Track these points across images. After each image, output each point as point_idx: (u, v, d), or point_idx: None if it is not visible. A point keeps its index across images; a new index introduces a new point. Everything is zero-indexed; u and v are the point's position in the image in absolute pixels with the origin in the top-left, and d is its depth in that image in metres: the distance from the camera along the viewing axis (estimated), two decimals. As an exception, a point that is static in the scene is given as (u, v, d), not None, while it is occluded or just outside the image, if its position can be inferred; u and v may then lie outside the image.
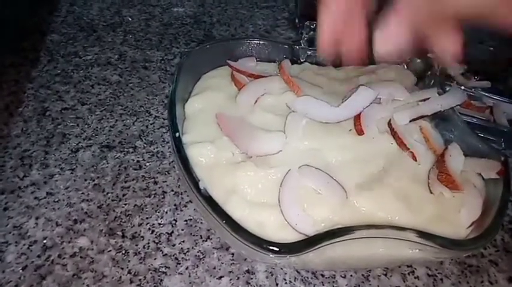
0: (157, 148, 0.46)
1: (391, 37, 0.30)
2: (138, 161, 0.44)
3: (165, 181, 0.43)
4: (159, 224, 0.39)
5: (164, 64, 0.57)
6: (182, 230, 0.39)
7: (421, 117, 0.38)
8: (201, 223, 0.39)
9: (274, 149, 0.35)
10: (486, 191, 0.34)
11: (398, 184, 0.34)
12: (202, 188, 0.30)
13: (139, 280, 0.35)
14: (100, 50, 0.59)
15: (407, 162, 0.36)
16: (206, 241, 0.38)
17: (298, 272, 0.37)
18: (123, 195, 0.41)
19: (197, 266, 0.36)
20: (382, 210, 0.32)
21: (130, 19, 0.66)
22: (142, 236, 0.38)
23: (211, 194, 0.30)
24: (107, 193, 0.41)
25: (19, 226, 0.37)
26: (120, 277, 0.35)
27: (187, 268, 0.36)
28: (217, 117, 0.37)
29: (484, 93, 0.48)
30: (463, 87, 0.43)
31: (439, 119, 0.40)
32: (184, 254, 0.37)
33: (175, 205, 0.40)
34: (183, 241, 0.38)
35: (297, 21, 0.65)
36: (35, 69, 0.54)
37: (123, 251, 0.36)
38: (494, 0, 0.25)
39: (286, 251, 0.27)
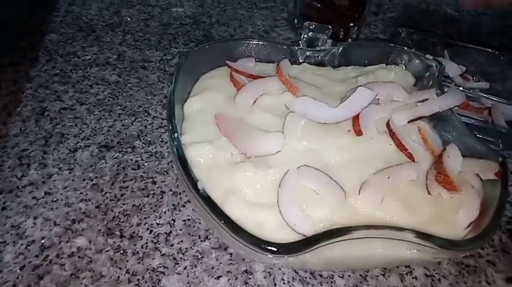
0: (155, 148, 0.46)
1: None
2: (136, 161, 0.44)
3: (164, 181, 0.43)
4: (158, 224, 0.39)
5: (163, 64, 0.57)
6: (180, 230, 0.39)
7: (420, 118, 0.39)
8: (200, 223, 0.39)
9: (273, 149, 0.35)
10: (484, 192, 0.34)
11: (397, 183, 0.34)
12: (200, 188, 0.30)
13: (138, 279, 0.35)
14: (99, 50, 0.59)
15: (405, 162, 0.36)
16: (204, 241, 0.38)
17: (296, 272, 0.37)
18: (122, 195, 0.41)
19: (195, 266, 0.36)
20: (381, 210, 0.32)
21: (129, 19, 0.66)
22: (140, 236, 0.38)
23: (209, 195, 0.30)
24: (105, 193, 0.41)
25: (17, 225, 0.37)
26: (118, 276, 0.35)
27: (185, 268, 0.36)
28: (216, 118, 0.37)
29: (482, 94, 0.48)
30: (461, 89, 0.43)
31: (438, 120, 0.40)
32: (183, 254, 0.37)
33: (173, 205, 0.40)
34: (181, 241, 0.38)
35: (296, 21, 0.65)
36: (34, 69, 0.54)
37: (121, 251, 0.36)
38: None
39: (284, 252, 0.27)
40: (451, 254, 0.32)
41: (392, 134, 0.37)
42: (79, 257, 0.36)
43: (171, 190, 0.42)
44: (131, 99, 0.52)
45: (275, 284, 0.36)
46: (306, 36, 0.45)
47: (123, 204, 0.40)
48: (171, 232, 0.38)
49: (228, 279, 0.35)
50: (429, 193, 0.34)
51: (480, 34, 0.70)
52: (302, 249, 0.27)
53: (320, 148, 0.36)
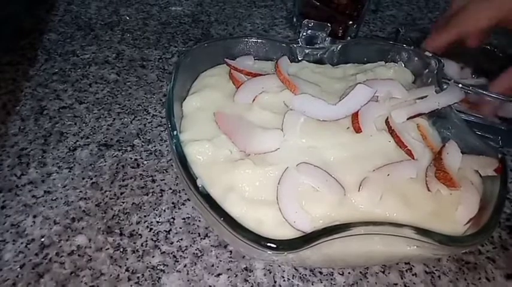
0: (155, 146, 0.46)
1: None
2: (136, 160, 0.44)
3: (163, 179, 0.42)
4: (157, 222, 0.39)
5: (162, 63, 0.57)
6: (180, 228, 0.39)
7: (419, 115, 0.39)
8: (199, 221, 0.39)
9: (272, 146, 0.35)
10: (483, 189, 0.34)
11: (397, 180, 0.34)
12: (200, 185, 0.30)
13: (138, 277, 0.35)
14: (98, 48, 0.59)
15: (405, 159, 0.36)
16: (204, 238, 0.38)
17: (296, 269, 0.37)
18: (121, 193, 0.41)
19: (195, 263, 0.36)
20: (380, 207, 0.32)
21: (128, 18, 0.66)
22: (140, 234, 0.38)
23: (209, 192, 0.30)
24: (105, 191, 0.41)
25: (17, 224, 0.37)
26: (118, 274, 0.35)
27: (185, 266, 0.36)
28: (216, 116, 0.37)
29: (481, 91, 0.48)
30: (460, 85, 0.43)
31: (437, 117, 0.40)
32: (183, 252, 0.37)
33: (173, 203, 0.40)
34: (181, 239, 0.38)
35: (294, 20, 0.65)
36: (33, 68, 0.54)
37: (121, 249, 0.36)
38: None
39: (284, 248, 0.27)
40: (450, 251, 0.32)
41: (391, 131, 0.37)
42: (79, 255, 0.36)
43: (170, 188, 0.42)
44: (130, 98, 0.52)
45: (275, 282, 0.36)
46: (304, 34, 0.45)
47: (123, 202, 0.40)
48: (170, 230, 0.38)
49: (228, 277, 0.35)
50: (429, 190, 0.34)
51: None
52: (302, 246, 0.27)
53: (319, 145, 0.36)
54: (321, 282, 0.36)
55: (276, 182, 0.33)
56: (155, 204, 0.40)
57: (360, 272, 0.37)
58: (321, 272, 0.37)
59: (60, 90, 0.51)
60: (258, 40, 0.45)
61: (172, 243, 0.37)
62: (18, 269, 0.34)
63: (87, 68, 0.55)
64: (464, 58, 0.52)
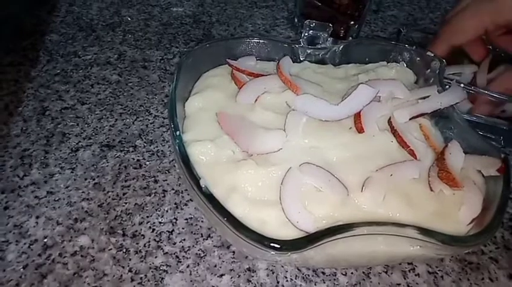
0: (157, 147, 0.46)
1: None
2: (138, 160, 0.44)
3: (166, 180, 0.43)
4: (160, 222, 0.39)
5: (164, 63, 0.57)
6: (183, 228, 0.39)
7: (421, 115, 0.39)
8: (202, 221, 0.39)
9: (275, 147, 0.35)
10: (486, 188, 0.34)
11: (400, 180, 0.34)
12: (203, 186, 0.30)
13: (140, 278, 0.35)
14: (99, 49, 0.59)
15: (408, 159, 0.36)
16: (207, 239, 0.38)
17: (299, 269, 0.37)
18: (124, 194, 0.41)
19: (198, 264, 0.36)
20: (383, 207, 0.32)
21: (129, 19, 0.66)
22: (143, 235, 0.38)
23: (212, 192, 0.30)
24: (107, 192, 0.41)
25: (19, 225, 0.37)
26: (121, 275, 0.35)
27: (188, 266, 0.36)
28: (218, 116, 0.37)
29: (483, 91, 0.48)
30: (462, 85, 0.43)
31: (439, 117, 0.40)
32: (185, 252, 0.37)
33: (175, 203, 0.41)
34: (184, 240, 0.38)
35: (296, 20, 0.65)
36: (35, 69, 0.54)
37: (124, 250, 0.36)
38: None
39: (287, 248, 0.27)
40: (453, 251, 0.32)
41: (394, 131, 0.37)
42: (82, 256, 0.36)
43: (173, 189, 0.42)
44: (132, 99, 0.52)
45: (278, 282, 0.36)
46: (306, 34, 0.45)
47: (125, 203, 0.40)
48: (173, 230, 0.38)
49: (231, 277, 0.35)
50: (431, 190, 0.34)
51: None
52: (305, 246, 0.27)
53: (322, 146, 0.36)
54: (324, 282, 0.36)
55: (279, 182, 0.33)
56: (158, 205, 0.40)
57: (363, 272, 0.37)
58: (323, 273, 0.37)
59: (62, 91, 0.52)
60: (260, 40, 0.45)
61: (175, 243, 0.37)
62: (21, 269, 0.34)
63: (89, 69, 0.55)
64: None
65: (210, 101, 0.40)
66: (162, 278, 0.35)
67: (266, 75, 0.42)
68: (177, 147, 0.32)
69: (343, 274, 0.37)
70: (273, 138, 0.35)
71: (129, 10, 0.68)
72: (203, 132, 0.37)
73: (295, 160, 0.34)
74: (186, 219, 0.39)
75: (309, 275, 0.36)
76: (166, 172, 0.43)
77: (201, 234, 0.38)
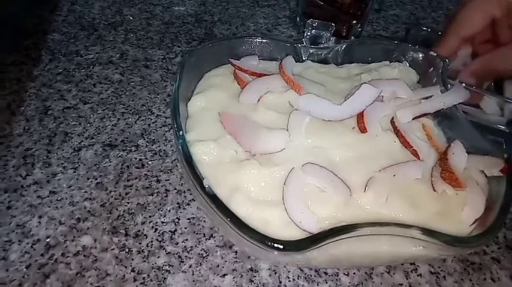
0: (159, 146, 0.46)
1: None
2: (140, 160, 0.44)
3: (168, 180, 0.43)
4: (162, 222, 0.39)
5: (166, 63, 0.57)
6: (185, 228, 0.39)
7: (424, 115, 0.39)
8: (204, 221, 0.39)
9: (278, 147, 0.35)
10: (489, 189, 0.34)
11: (403, 180, 0.34)
12: (206, 186, 0.30)
13: (143, 278, 0.35)
14: (101, 49, 0.59)
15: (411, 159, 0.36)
16: (209, 239, 0.38)
17: (301, 270, 0.37)
18: (126, 193, 0.41)
19: (200, 264, 0.36)
20: (386, 207, 0.32)
21: (131, 18, 0.66)
22: (145, 235, 0.38)
23: (215, 192, 0.30)
24: (110, 192, 0.41)
25: (22, 224, 0.37)
26: (124, 275, 0.35)
27: (190, 266, 0.36)
28: (221, 116, 0.37)
29: (486, 92, 0.48)
30: (464, 85, 0.43)
31: (442, 117, 0.40)
32: (188, 252, 0.37)
33: (178, 203, 0.41)
34: (186, 239, 0.38)
35: (298, 19, 0.65)
36: (37, 68, 0.54)
37: (127, 250, 0.37)
38: None
39: (290, 249, 0.27)
40: (456, 251, 0.32)
41: (396, 131, 0.37)
42: (84, 256, 0.36)
43: (175, 188, 0.42)
44: (134, 98, 0.52)
45: (280, 282, 0.36)
46: (309, 33, 0.45)
47: (128, 203, 0.40)
48: (175, 230, 0.38)
49: (233, 277, 0.36)
50: (434, 190, 0.34)
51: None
52: (308, 246, 0.27)
53: (325, 145, 0.36)
54: (326, 282, 0.36)
55: (282, 182, 0.33)
56: (160, 204, 0.40)
57: (365, 272, 0.37)
58: (326, 273, 0.37)
59: (65, 90, 0.52)
60: (263, 40, 0.45)
61: (177, 243, 0.37)
62: (24, 269, 0.34)
63: (91, 68, 0.55)
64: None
65: (213, 101, 0.39)
66: (165, 278, 0.35)
67: (269, 75, 0.42)
68: (180, 147, 0.32)
69: (346, 274, 0.37)
70: (275, 138, 0.35)
71: (131, 9, 0.68)
72: (206, 132, 0.37)
73: (298, 160, 0.34)
74: (189, 219, 0.39)
75: (311, 275, 0.36)
76: (169, 171, 0.43)
77: (204, 234, 0.38)
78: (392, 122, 0.38)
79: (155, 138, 0.47)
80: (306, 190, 0.33)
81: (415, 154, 0.36)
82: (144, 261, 0.36)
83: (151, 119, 0.49)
